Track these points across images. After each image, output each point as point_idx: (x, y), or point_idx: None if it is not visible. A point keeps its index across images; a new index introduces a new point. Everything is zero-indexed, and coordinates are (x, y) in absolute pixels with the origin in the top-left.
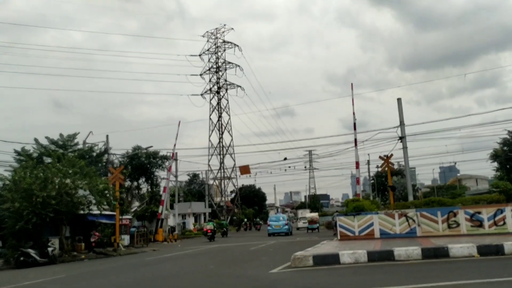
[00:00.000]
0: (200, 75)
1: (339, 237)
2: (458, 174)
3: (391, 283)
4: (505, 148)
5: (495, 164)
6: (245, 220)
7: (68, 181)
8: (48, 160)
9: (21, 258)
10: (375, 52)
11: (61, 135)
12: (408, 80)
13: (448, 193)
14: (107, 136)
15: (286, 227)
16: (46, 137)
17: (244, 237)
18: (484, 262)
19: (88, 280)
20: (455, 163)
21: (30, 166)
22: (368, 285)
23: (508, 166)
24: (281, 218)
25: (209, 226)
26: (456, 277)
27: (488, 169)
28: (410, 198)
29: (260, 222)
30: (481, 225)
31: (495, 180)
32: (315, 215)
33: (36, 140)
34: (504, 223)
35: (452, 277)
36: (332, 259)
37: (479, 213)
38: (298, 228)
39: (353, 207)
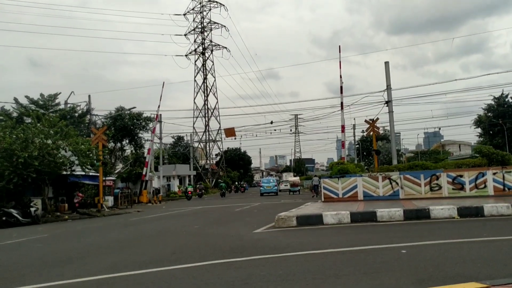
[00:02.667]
0: (185, 35)
1: (323, 199)
2: (442, 140)
3: (373, 243)
4: (489, 114)
5: (479, 130)
6: (235, 183)
7: (49, 141)
8: (28, 120)
9: (3, 218)
10: (361, 14)
11: (41, 95)
12: (394, 44)
13: (431, 158)
14: (89, 96)
15: (275, 188)
16: (26, 97)
17: (228, 198)
18: (464, 223)
19: (71, 239)
20: (439, 129)
21: (10, 126)
22: (350, 244)
23: (491, 132)
24: (271, 181)
25: (190, 188)
26: (436, 237)
27: (471, 135)
28: (394, 162)
29: (244, 185)
30: (462, 188)
31: (478, 145)
32: (296, 179)
33: (15, 99)
34: (485, 186)
35: (433, 237)
36: (315, 220)
37: (461, 176)
38: (280, 190)
39: (338, 170)
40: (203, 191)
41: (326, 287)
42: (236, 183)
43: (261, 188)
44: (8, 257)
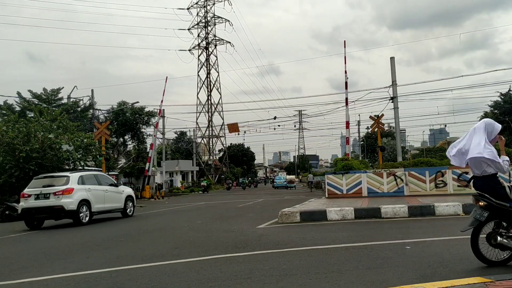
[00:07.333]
0: (188, 29)
1: (327, 195)
2: (448, 137)
3: (377, 239)
4: (495, 111)
5: None
6: (249, 179)
7: (51, 135)
8: (31, 114)
9: (6, 212)
10: (363, 9)
11: (44, 89)
12: (397, 39)
13: (437, 156)
14: (92, 90)
15: (285, 183)
16: (29, 91)
17: (232, 194)
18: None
19: (73, 233)
20: (445, 126)
21: (13, 120)
22: (354, 240)
23: None
24: (282, 178)
25: (204, 183)
26: (441, 233)
27: None
28: (399, 158)
29: (258, 181)
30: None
31: None
32: (293, 177)
33: (19, 93)
34: None
35: (437, 233)
36: (319, 216)
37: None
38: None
39: (342, 166)
40: (230, 184)
41: (329, 282)
42: (250, 179)
43: (274, 183)
44: (10, 250)
